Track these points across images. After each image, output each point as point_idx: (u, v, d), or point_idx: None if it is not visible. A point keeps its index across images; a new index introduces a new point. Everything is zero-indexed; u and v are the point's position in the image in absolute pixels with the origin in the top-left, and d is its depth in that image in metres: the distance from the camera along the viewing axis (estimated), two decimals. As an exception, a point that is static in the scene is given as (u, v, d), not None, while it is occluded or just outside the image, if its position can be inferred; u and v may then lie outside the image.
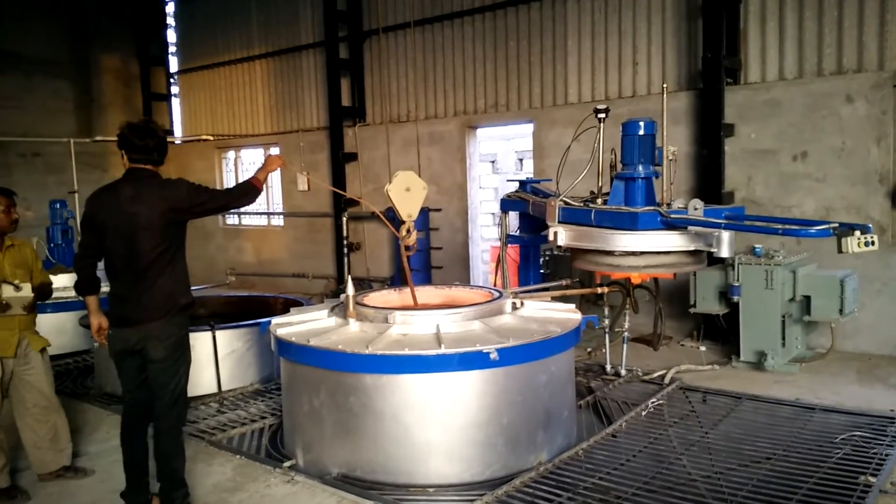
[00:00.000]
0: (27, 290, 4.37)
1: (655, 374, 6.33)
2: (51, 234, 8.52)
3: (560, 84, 9.22)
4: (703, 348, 7.34)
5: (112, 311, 3.91)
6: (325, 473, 4.39)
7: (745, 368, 6.56)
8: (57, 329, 7.53)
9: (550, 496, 4.03)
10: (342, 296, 4.97)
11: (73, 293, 7.85)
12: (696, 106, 7.94)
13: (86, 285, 4.04)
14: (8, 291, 4.29)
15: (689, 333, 7.81)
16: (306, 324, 4.85)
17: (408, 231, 4.91)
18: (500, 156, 14.54)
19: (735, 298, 6.47)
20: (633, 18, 8.54)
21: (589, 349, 7.07)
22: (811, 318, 6.44)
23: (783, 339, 6.40)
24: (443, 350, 4.13)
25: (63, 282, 8.04)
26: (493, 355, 4.16)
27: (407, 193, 4.84)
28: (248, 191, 4.03)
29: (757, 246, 6.59)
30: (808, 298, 6.41)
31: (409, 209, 4.86)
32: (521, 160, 13.87)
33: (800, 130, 7.35)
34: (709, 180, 7.70)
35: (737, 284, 6.42)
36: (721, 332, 7.21)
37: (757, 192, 7.61)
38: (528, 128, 9.70)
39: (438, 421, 4.25)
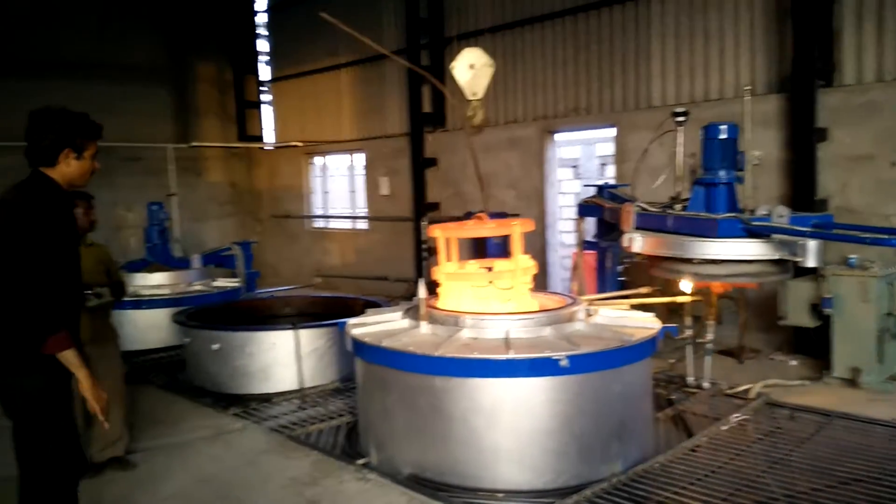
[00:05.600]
0: (107, 295, 4.73)
1: (740, 389, 6.07)
2: (148, 234, 9.02)
3: (643, 87, 9.04)
4: (793, 362, 7.01)
5: None
6: (397, 472, 4.46)
7: (837, 385, 6.22)
8: (153, 325, 8.02)
9: (623, 508, 3.97)
10: (415, 298, 5.05)
11: (168, 291, 8.38)
12: (787, 109, 7.61)
13: None
14: (93, 301, 4.60)
15: (780, 347, 7.48)
16: (380, 325, 4.95)
17: (473, 111, 4.79)
18: (583, 161, 14.37)
19: (827, 311, 6.16)
20: (720, 19, 8.27)
21: (672, 360, 6.88)
22: (911, 333, 6.06)
23: (879, 354, 6.03)
24: (511, 355, 4.13)
25: (159, 280, 8.54)
26: (564, 362, 4.13)
27: (471, 71, 4.72)
28: (46, 332, 2.86)
29: (851, 256, 6.25)
30: (907, 313, 6.03)
31: (473, 87, 4.74)
32: (603, 165, 13.63)
33: (900, 134, 6.93)
34: (800, 187, 7.36)
35: (829, 296, 6.11)
36: (814, 346, 6.86)
37: (852, 200, 7.21)
38: (611, 132, 9.55)
39: (507, 426, 4.24)
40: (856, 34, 7.24)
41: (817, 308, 6.31)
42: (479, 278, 4.85)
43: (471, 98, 4.79)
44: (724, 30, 8.25)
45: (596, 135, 11.85)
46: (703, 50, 8.45)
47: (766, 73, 7.94)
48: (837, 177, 7.31)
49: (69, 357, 2.90)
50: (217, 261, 9.47)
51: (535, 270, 5.02)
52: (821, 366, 6.56)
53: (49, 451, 3.00)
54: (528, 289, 5.05)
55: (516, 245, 4.92)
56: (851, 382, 6.12)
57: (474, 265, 5.09)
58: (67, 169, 3.03)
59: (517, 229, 4.87)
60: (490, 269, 4.95)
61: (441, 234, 5.04)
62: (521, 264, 4.90)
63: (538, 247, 10.19)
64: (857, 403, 5.69)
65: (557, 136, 10.43)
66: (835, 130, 7.31)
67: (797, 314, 6.50)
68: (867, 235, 4.10)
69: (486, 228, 5.02)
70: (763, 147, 7.66)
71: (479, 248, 9.59)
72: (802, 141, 7.36)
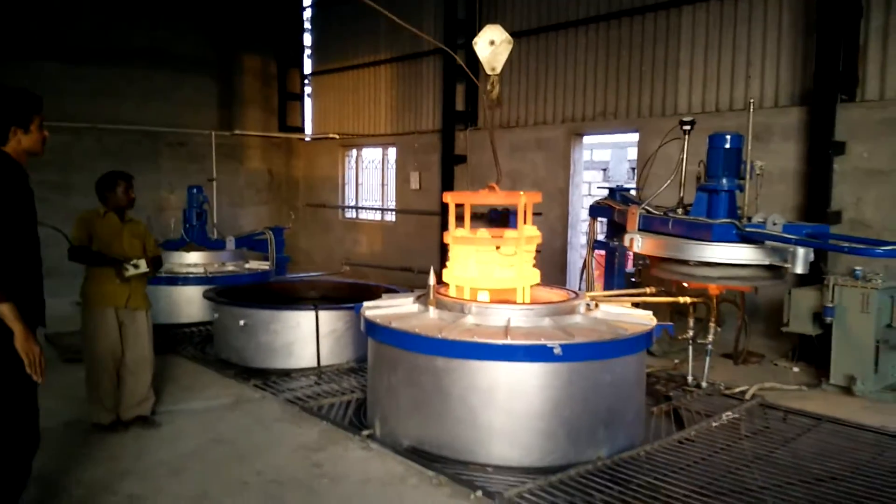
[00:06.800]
0: (144, 266, 5.11)
1: (738, 390, 6.28)
2: (187, 215, 9.51)
3: (670, 94, 9.22)
4: (795, 369, 7.16)
5: None
6: (398, 444, 4.80)
7: (834, 392, 6.38)
8: (186, 300, 8.51)
9: (602, 488, 4.22)
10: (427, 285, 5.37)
11: (202, 269, 8.85)
12: (807, 122, 7.74)
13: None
14: (130, 271, 5.03)
15: (785, 353, 7.63)
16: (392, 308, 5.29)
17: (492, 85, 5.09)
18: (613, 164, 14.55)
19: (828, 320, 6.32)
20: (749, 31, 8.42)
21: (676, 361, 7.10)
22: (910, 345, 6.18)
23: (876, 364, 6.17)
24: (509, 340, 4.44)
25: (194, 259, 9.02)
26: (557, 350, 4.42)
27: (491, 47, 5.02)
28: None
29: (857, 268, 6.38)
30: (907, 325, 6.15)
31: (493, 63, 5.04)
32: (633, 169, 13.82)
33: (918, 151, 7.02)
34: (815, 198, 7.50)
35: (831, 306, 6.27)
36: (817, 354, 7.01)
37: (866, 214, 7.32)
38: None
39: (502, 407, 4.54)
40: (881, 52, 7.35)
41: (820, 316, 6.48)
42: (484, 242, 5.11)
43: (490, 73, 5.07)
44: (752, 42, 8.40)
45: (626, 138, 12.03)
46: (730, 61, 8.61)
47: (790, 85, 8.08)
48: (852, 190, 7.43)
49: (4, 311, 2.95)
50: (250, 244, 9.92)
51: (539, 240, 5.24)
52: (822, 373, 6.71)
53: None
54: (531, 258, 5.29)
55: (522, 215, 5.18)
56: (847, 390, 6.27)
57: (483, 232, 5.39)
58: (19, 145, 3.22)
59: (523, 199, 5.16)
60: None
61: (452, 199, 5.36)
62: (526, 233, 5.19)
63: (559, 246, 10.46)
64: (850, 410, 5.84)
65: (587, 139, 10.64)
66: (853, 145, 7.43)
67: (800, 321, 6.67)
68: (845, 245, 4.29)
69: (495, 196, 5.30)
70: (782, 158, 7.86)
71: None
72: (820, 153, 7.50)
